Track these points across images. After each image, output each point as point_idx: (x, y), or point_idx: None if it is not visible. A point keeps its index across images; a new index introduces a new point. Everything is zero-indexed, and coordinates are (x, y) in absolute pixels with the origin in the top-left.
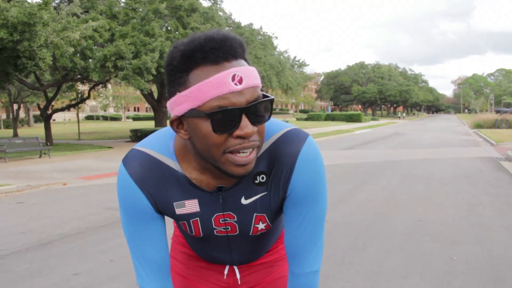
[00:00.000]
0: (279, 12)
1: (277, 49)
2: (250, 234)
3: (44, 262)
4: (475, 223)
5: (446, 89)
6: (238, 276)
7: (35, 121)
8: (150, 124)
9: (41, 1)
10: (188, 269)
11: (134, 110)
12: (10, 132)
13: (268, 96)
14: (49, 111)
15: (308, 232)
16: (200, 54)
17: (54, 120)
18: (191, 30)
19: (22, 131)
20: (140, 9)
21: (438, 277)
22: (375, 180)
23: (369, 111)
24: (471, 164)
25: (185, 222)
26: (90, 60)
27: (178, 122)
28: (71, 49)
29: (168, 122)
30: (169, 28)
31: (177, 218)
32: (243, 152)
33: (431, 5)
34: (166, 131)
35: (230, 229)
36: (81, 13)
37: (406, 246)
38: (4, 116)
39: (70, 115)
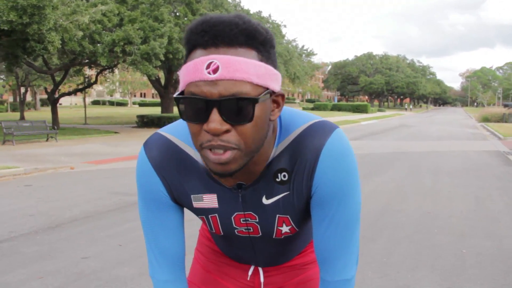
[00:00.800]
0: (288, 0)
1: (286, 38)
2: (274, 237)
3: (54, 245)
4: (484, 216)
5: (454, 82)
6: (262, 278)
7: (42, 105)
8: (157, 110)
9: None
10: (211, 263)
11: (141, 96)
12: (17, 115)
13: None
14: (56, 95)
15: (337, 236)
16: (193, 36)
17: (60, 104)
18: (200, 16)
19: (29, 114)
20: None
21: (448, 270)
22: (383, 172)
23: (376, 102)
24: (478, 157)
25: (204, 217)
26: (99, 44)
27: None
28: (80, 33)
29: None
30: (177, 14)
31: (195, 212)
32: (218, 149)
33: None
34: None
35: (252, 230)
36: None
37: (415, 238)
38: (11, 99)
39: (77, 99)
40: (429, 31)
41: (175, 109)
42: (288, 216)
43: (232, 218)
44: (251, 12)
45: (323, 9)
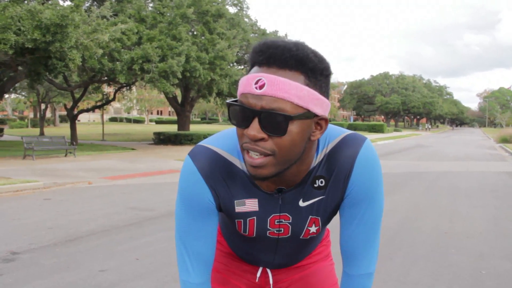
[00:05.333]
0: (304, 20)
1: None
2: (301, 237)
3: (72, 257)
4: (503, 237)
5: (471, 102)
6: (270, 280)
7: (61, 121)
8: (173, 128)
9: (73, 4)
10: (221, 264)
11: (157, 114)
12: (37, 131)
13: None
14: (75, 112)
15: (364, 233)
16: (253, 54)
17: (79, 120)
18: (217, 35)
19: (48, 130)
20: (168, 14)
21: None
22: (399, 191)
23: (392, 122)
24: (497, 178)
25: (242, 220)
26: (118, 62)
27: None
28: (100, 51)
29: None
30: (195, 33)
31: (235, 216)
32: (254, 154)
33: (455, 17)
34: (234, 131)
35: (282, 231)
36: (111, 16)
37: (432, 258)
38: (31, 115)
39: (94, 116)
40: (444, 51)
41: (192, 127)
42: (319, 218)
43: (268, 219)
44: (268, 31)
45: (338, 29)
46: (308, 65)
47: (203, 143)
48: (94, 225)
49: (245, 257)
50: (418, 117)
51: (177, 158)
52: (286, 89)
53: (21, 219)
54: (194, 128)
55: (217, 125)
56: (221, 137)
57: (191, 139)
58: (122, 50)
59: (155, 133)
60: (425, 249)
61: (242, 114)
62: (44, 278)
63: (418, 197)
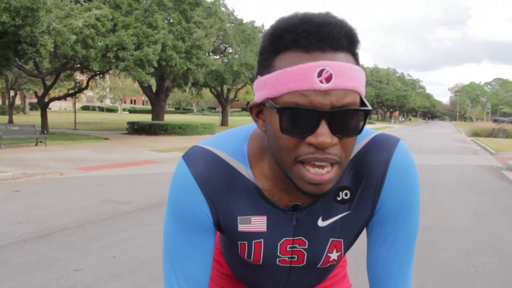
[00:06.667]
0: (279, 11)
1: None
2: (319, 266)
3: (44, 255)
4: (486, 232)
5: (442, 96)
6: None
7: (31, 109)
8: (147, 117)
9: None
10: None
11: (131, 103)
12: (5, 118)
13: (365, 106)
14: (46, 100)
15: (398, 255)
16: (290, 36)
17: (50, 108)
18: (194, 24)
19: (18, 118)
20: (144, 1)
21: None
22: None
23: None
24: (473, 172)
25: (246, 243)
26: (92, 49)
27: (258, 110)
28: (73, 37)
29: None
30: (171, 21)
31: (237, 237)
32: (318, 168)
33: (428, 12)
34: (239, 131)
35: (296, 259)
36: (85, 1)
37: (419, 254)
38: None
39: (66, 104)
40: (417, 45)
41: (166, 117)
42: (341, 240)
43: (279, 244)
44: (244, 21)
45: None
46: (357, 43)
47: (201, 144)
48: (68, 220)
49: (246, 283)
50: (391, 110)
51: (153, 148)
52: (354, 77)
53: None
54: (168, 118)
55: (192, 115)
56: (223, 137)
57: (166, 129)
58: (96, 36)
59: (129, 123)
60: None
61: (303, 119)
62: (13, 278)
63: None
